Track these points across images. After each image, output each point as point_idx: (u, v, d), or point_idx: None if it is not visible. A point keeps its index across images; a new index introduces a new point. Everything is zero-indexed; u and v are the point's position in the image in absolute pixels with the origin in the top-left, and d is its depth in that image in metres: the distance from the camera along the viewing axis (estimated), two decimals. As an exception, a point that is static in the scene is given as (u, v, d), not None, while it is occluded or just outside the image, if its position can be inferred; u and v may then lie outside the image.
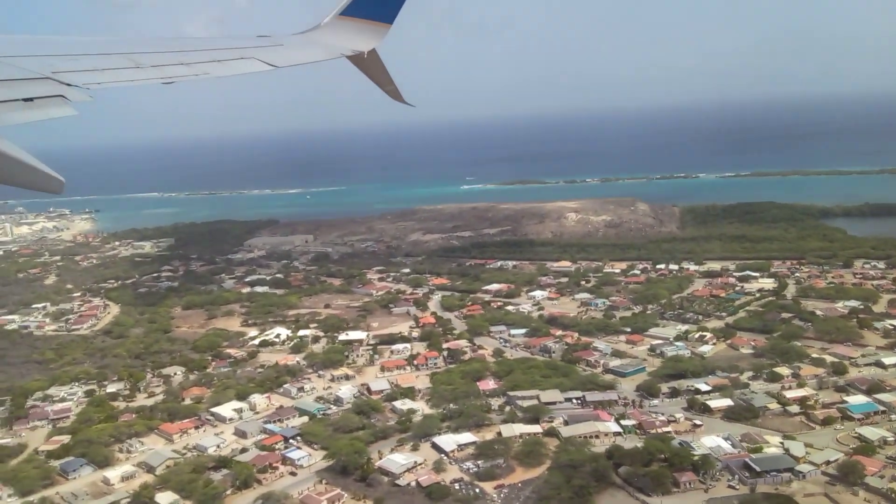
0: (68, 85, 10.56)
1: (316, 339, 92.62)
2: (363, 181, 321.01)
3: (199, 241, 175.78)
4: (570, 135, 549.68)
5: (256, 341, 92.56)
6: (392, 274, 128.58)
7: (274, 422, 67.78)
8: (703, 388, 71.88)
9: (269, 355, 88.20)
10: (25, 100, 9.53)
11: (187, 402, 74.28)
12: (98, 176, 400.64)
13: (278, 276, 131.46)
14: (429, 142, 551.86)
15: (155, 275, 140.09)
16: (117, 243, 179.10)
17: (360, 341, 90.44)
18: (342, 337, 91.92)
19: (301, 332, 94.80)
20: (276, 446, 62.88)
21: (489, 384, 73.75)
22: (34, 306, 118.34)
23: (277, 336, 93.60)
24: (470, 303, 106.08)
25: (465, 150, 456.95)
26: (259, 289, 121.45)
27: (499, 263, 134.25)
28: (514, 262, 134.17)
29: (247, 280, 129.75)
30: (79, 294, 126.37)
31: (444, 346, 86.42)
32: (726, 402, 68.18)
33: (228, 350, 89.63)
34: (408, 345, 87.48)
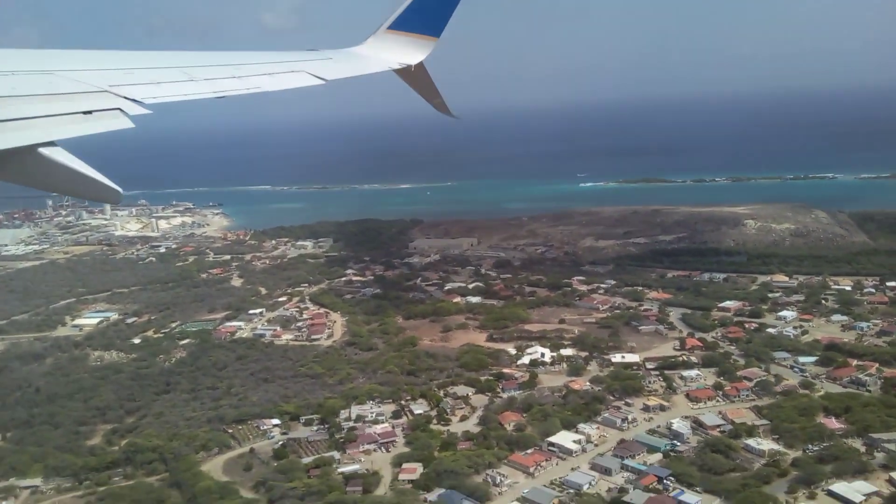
0: (125, 98, 10.94)
1: (586, 361, 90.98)
2: (471, 177, 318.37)
3: (358, 242, 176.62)
4: (667, 124, 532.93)
5: (525, 360, 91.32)
6: (601, 285, 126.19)
7: (626, 457, 66.23)
8: None
9: (547, 377, 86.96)
10: (84, 112, 9.93)
11: (508, 429, 73.40)
12: (200, 165, 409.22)
13: (478, 284, 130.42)
14: (513, 132, 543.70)
15: (344, 279, 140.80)
16: (274, 242, 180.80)
17: (637, 365, 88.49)
18: (615, 359, 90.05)
19: (564, 352, 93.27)
20: (654, 487, 61.31)
21: (832, 423, 70.88)
22: (251, 312, 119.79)
23: (542, 355, 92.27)
24: (719, 324, 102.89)
25: (559, 142, 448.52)
26: (472, 299, 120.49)
27: (706, 276, 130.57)
28: (724, 275, 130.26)
29: (447, 288, 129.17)
30: (284, 299, 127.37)
31: (739, 374, 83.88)
32: None
33: (506, 370, 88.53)
34: (698, 371, 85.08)
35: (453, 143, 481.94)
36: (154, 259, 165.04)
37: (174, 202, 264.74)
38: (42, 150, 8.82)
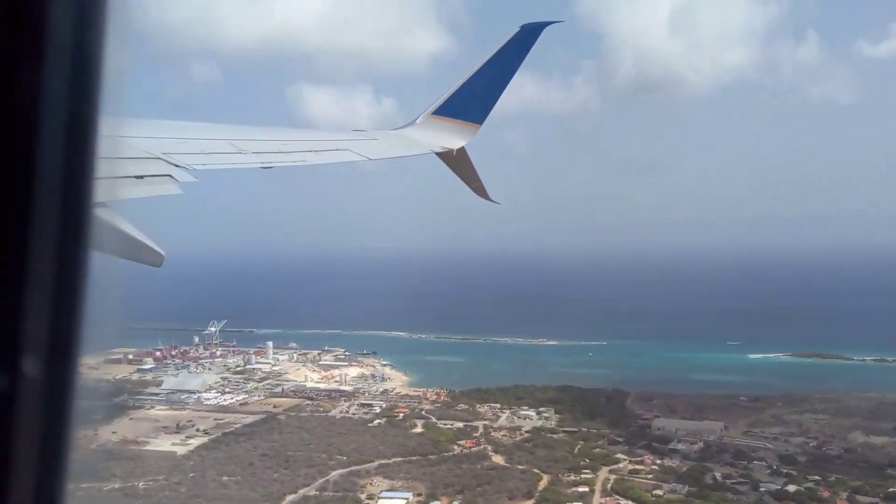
0: (176, 166, 11.77)
1: None
2: (613, 336, 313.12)
3: (583, 415, 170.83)
4: (780, 278, 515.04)
5: None
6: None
7: None
8: None
9: None
10: (137, 177, 10.70)
11: None
12: (305, 300, 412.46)
13: (797, 487, 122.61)
14: (622, 280, 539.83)
15: (620, 465, 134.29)
16: (486, 407, 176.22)
17: None
18: None
19: None
20: None
21: None
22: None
23: None
24: None
25: (682, 297, 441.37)
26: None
27: None
28: None
29: (763, 489, 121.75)
30: (585, 489, 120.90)
31: None
32: None
33: None
34: None
35: (554, 289, 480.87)
36: (380, 422, 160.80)
37: (326, 347, 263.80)
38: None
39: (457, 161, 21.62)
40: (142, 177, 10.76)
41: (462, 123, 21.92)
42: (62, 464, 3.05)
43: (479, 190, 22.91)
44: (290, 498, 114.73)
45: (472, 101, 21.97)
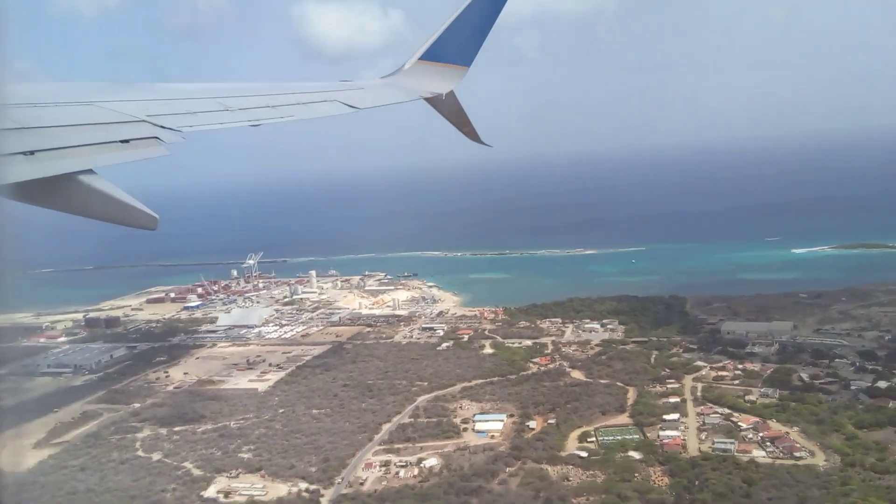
0: (162, 127, 11.77)
1: None
2: (653, 241, 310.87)
3: (648, 324, 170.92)
4: (822, 168, 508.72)
5: None
6: None
7: None
8: None
9: None
10: (122, 141, 10.69)
11: None
12: (327, 225, 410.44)
13: (888, 383, 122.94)
14: (647, 182, 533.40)
15: (701, 372, 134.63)
16: (548, 324, 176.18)
17: None
18: None
19: None
20: None
21: None
22: (666, 418, 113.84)
23: None
24: None
25: (710, 196, 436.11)
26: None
27: None
28: None
29: (854, 388, 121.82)
30: (676, 399, 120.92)
31: None
32: None
33: None
34: None
35: (581, 196, 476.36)
36: (448, 345, 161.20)
37: (366, 272, 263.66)
38: (81, 177, 9.13)
39: (446, 105, 21.62)
40: (128, 140, 10.74)
41: (450, 67, 21.88)
42: None
43: (471, 134, 22.77)
44: (386, 427, 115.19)
45: (459, 43, 21.80)
